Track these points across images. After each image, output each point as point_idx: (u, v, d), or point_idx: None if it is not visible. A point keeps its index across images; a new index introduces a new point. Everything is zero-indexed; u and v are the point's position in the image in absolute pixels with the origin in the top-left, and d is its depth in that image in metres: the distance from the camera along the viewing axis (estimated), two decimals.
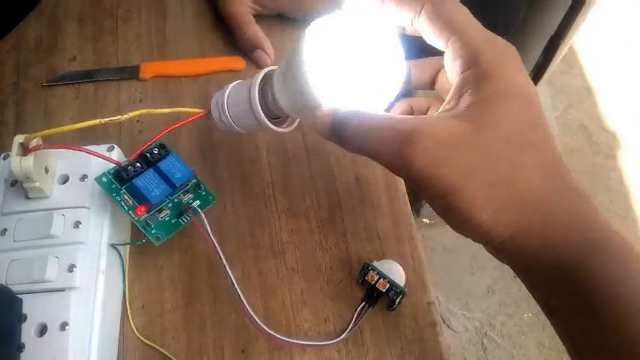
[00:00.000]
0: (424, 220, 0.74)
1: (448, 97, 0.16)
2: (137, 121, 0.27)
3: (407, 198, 0.26)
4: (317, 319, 0.23)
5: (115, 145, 0.23)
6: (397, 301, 0.22)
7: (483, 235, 0.14)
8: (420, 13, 0.15)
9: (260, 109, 0.19)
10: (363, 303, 0.22)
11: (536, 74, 0.61)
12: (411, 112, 0.20)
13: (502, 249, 0.15)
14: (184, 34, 0.30)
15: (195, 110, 0.21)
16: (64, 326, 0.19)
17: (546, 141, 0.15)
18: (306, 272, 0.24)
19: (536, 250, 0.14)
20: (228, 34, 0.29)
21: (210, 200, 0.22)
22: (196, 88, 0.28)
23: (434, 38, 0.16)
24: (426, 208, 0.71)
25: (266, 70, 0.19)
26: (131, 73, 0.28)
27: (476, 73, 0.15)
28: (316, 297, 0.23)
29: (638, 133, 0.88)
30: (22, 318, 0.19)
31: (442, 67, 0.17)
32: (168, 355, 0.21)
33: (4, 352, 0.18)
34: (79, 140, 0.25)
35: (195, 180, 0.22)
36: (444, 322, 0.71)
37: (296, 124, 0.21)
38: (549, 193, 0.14)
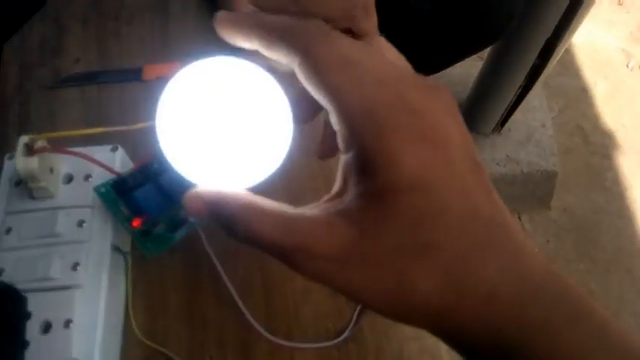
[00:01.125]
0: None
1: (336, 183, 0.14)
2: (140, 122, 0.27)
3: None
4: (317, 316, 0.23)
5: (118, 146, 0.24)
6: None
7: (418, 320, 0.12)
8: (297, 66, 0.12)
9: None
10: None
11: (533, 75, 0.62)
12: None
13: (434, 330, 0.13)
14: (187, 36, 0.30)
15: None
16: (68, 323, 0.19)
17: (447, 235, 0.11)
18: None
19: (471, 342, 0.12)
20: None
21: (192, 223, 0.22)
22: None
23: (315, 96, 0.12)
24: None
25: None
26: (134, 74, 0.28)
27: (357, 158, 0.11)
28: (317, 294, 0.23)
29: (633, 134, 0.89)
30: (27, 315, 0.20)
31: (294, 63, 0.13)
32: (170, 353, 0.22)
33: (9, 349, 0.18)
34: (84, 139, 0.25)
35: None
36: None
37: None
38: (449, 301, 0.11)
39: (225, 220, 0.12)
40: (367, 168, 0.11)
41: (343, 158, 0.12)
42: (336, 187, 0.14)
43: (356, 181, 0.12)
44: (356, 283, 0.12)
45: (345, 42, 0.12)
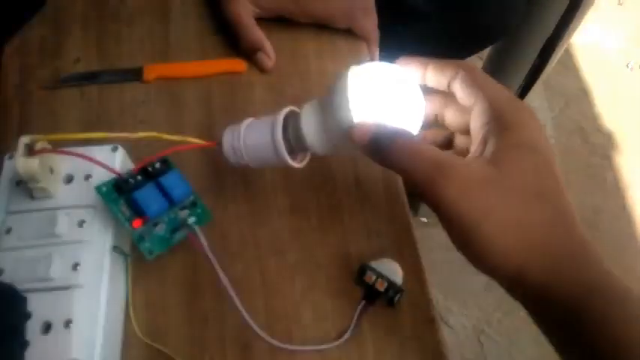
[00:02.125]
0: (422, 219, 0.74)
1: (476, 145, 0.18)
2: (140, 122, 0.28)
3: (405, 197, 0.26)
4: (317, 316, 0.23)
5: (118, 146, 0.24)
6: (395, 299, 0.22)
7: (495, 271, 0.16)
8: (456, 78, 0.19)
9: (282, 144, 0.21)
10: (364, 302, 0.23)
11: (533, 75, 0.62)
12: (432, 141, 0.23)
13: (512, 286, 0.17)
14: (186, 36, 0.30)
15: (201, 142, 0.22)
16: (68, 324, 0.19)
17: (556, 193, 0.17)
18: (307, 271, 0.24)
19: (541, 289, 0.16)
20: (229, 37, 0.30)
21: (207, 218, 0.22)
22: (198, 89, 0.29)
23: (465, 97, 0.19)
24: (425, 208, 0.72)
25: (288, 109, 0.21)
26: (135, 75, 0.28)
27: (499, 125, 0.17)
28: (316, 295, 0.23)
29: (633, 134, 0.89)
30: (27, 316, 0.20)
31: (457, 75, 0.19)
32: (171, 352, 0.22)
33: (9, 349, 0.19)
34: (85, 139, 0.25)
35: (192, 197, 0.22)
36: (442, 319, 0.71)
37: (307, 159, 0.23)
38: (553, 239, 0.16)
39: (383, 147, 0.18)
40: (507, 130, 0.17)
41: (487, 127, 0.18)
42: (475, 150, 0.18)
43: (497, 139, 0.17)
44: (486, 207, 0.16)
45: (482, 71, 0.19)
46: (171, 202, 0.21)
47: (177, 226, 0.22)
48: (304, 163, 0.22)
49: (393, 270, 0.23)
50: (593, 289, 0.15)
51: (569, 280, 0.15)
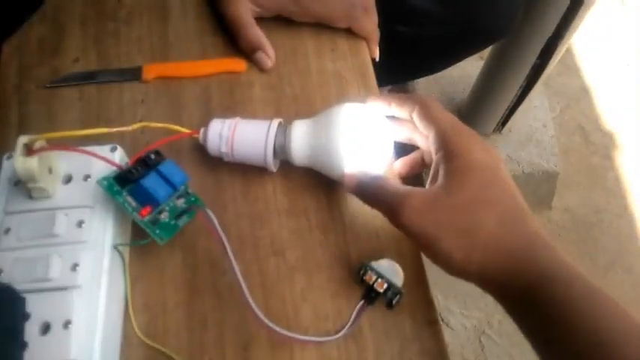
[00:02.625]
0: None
1: (432, 171, 0.22)
2: (139, 121, 0.27)
3: None
4: (317, 316, 0.23)
5: (117, 146, 0.24)
6: (394, 301, 0.22)
7: (462, 275, 0.20)
8: (413, 112, 0.23)
9: (272, 146, 0.24)
10: (362, 301, 0.22)
11: (534, 75, 0.62)
12: (411, 164, 0.26)
13: (479, 281, 0.20)
14: (186, 35, 0.30)
15: (186, 131, 0.25)
16: (67, 324, 0.19)
17: (503, 198, 0.20)
18: (306, 270, 0.24)
19: (501, 279, 0.19)
20: (229, 36, 0.30)
21: (200, 204, 0.23)
22: (197, 89, 0.29)
23: (422, 129, 0.23)
24: None
25: (279, 120, 0.25)
26: (133, 74, 0.28)
27: (447, 152, 0.21)
28: (316, 295, 0.23)
29: (634, 134, 0.89)
30: (26, 316, 0.19)
31: (414, 110, 0.23)
32: (170, 353, 0.22)
33: (7, 350, 0.18)
34: (83, 140, 0.25)
35: (184, 186, 0.23)
36: (442, 320, 0.71)
37: (277, 167, 0.26)
38: (502, 236, 0.19)
39: (363, 190, 0.22)
40: (452, 157, 0.20)
41: (436, 157, 0.21)
42: (431, 176, 0.22)
43: (445, 165, 0.20)
44: (440, 225, 0.19)
45: (436, 103, 0.23)
46: (173, 187, 0.22)
47: (180, 212, 0.22)
48: (276, 167, 0.26)
49: (393, 271, 0.23)
50: (543, 276, 0.18)
51: (521, 271, 0.18)
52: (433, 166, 0.22)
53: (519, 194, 0.20)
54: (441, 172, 0.20)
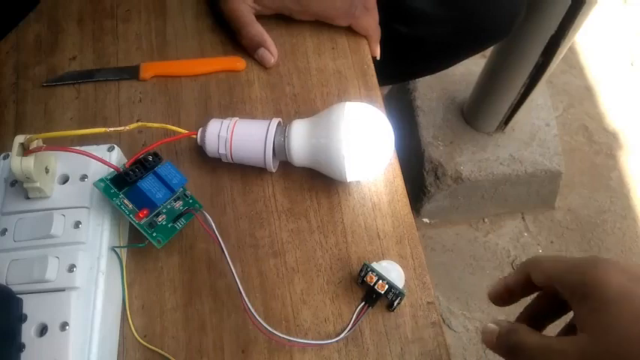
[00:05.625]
0: (424, 220, 0.74)
1: (564, 328, 0.19)
2: (137, 120, 0.27)
3: (407, 198, 0.26)
4: (317, 318, 0.23)
5: (115, 146, 0.23)
6: (396, 302, 0.22)
7: None
8: (529, 274, 0.19)
9: (272, 146, 0.23)
10: (363, 303, 0.22)
11: (537, 74, 0.61)
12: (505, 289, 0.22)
13: None
14: (184, 34, 0.30)
15: (184, 131, 0.24)
16: (64, 326, 0.19)
17: None
18: (306, 272, 0.24)
19: None
20: (228, 35, 0.29)
21: (198, 205, 0.23)
22: (196, 88, 0.28)
23: (542, 283, 0.19)
24: (426, 208, 0.71)
25: (278, 119, 0.24)
26: (131, 73, 0.28)
27: (577, 297, 0.17)
28: (316, 297, 0.23)
29: (638, 133, 0.88)
30: (23, 318, 0.19)
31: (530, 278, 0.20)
32: (168, 355, 0.21)
33: (4, 352, 0.18)
34: (80, 139, 0.25)
35: (182, 188, 0.23)
36: (444, 322, 0.71)
37: (276, 167, 0.25)
38: None
39: (507, 347, 0.19)
40: (582, 297, 0.17)
41: (570, 307, 0.18)
42: (564, 329, 0.19)
43: (579, 313, 0.17)
44: None
45: (539, 258, 0.19)
46: (171, 190, 0.22)
47: (175, 215, 0.22)
48: (276, 168, 0.25)
49: (394, 272, 0.22)
50: None
51: None
52: (573, 317, 0.18)
53: None
54: (579, 320, 0.17)
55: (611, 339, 0.16)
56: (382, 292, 0.21)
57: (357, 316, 0.22)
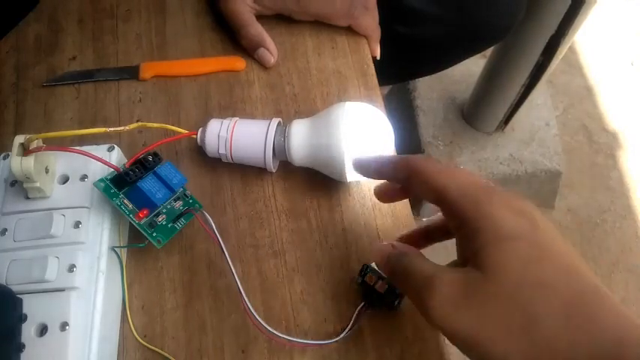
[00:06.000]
0: (424, 220, 0.74)
1: (458, 254, 0.17)
2: (137, 120, 0.27)
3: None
4: (317, 319, 0.23)
5: (115, 145, 0.23)
6: (396, 303, 0.22)
7: None
8: (407, 181, 0.18)
9: (272, 146, 0.23)
10: (363, 303, 0.22)
11: (537, 73, 0.61)
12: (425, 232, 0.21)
13: None
14: (184, 34, 0.30)
15: (184, 131, 0.24)
16: (64, 326, 0.19)
17: (557, 277, 0.14)
18: (306, 272, 0.24)
19: None
20: (228, 34, 0.29)
21: (199, 205, 0.23)
22: (196, 88, 0.28)
23: (428, 201, 0.17)
24: (426, 208, 0.71)
25: (278, 120, 0.24)
26: (131, 72, 0.28)
27: (465, 229, 0.16)
28: (316, 297, 0.23)
29: (638, 133, 0.88)
30: (22, 318, 0.19)
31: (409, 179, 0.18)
32: (168, 355, 0.21)
33: (4, 352, 0.18)
34: (80, 139, 0.25)
35: (182, 188, 0.23)
36: None
37: (276, 167, 0.25)
38: (575, 337, 0.13)
39: (390, 269, 0.18)
40: (475, 231, 0.15)
41: (458, 234, 0.16)
42: (458, 258, 0.17)
43: (470, 246, 0.15)
44: (484, 320, 0.14)
45: (431, 163, 0.17)
46: (171, 190, 0.22)
47: (175, 216, 0.22)
48: (276, 168, 0.25)
49: None
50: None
51: None
52: (458, 243, 0.17)
53: (577, 258, 0.15)
54: (471, 251, 0.15)
55: (504, 279, 0.14)
56: (382, 293, 0.21)
57: (356, 317, 0.22)
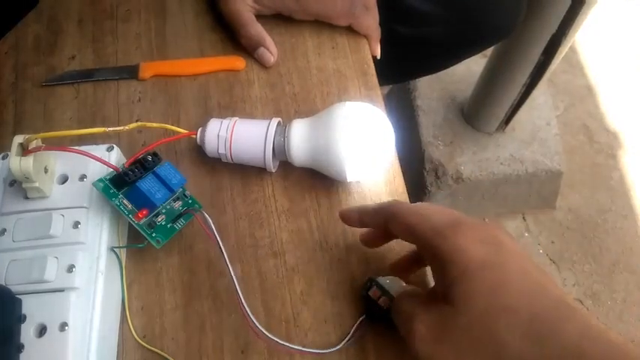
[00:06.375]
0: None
1: (433, 284, 0.18)
2: (136, 120, 0.27)
3: (407, 198, 0.26)
4: (317, 319, 0.23)
5: (114, 145, 0.23)
6: None
7: None
8: (387, 224, 0.19)
9: (272, 146, 0.23)
10: (364, 316, 0.22)
11: (537, 73, 0.61)
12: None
13: None
14: (184, 33, 0.30)
15: (183, 131, 0.24)
16: (63, 327, 0.19)
17: (520, 298, 0.15)
18: (306, 273, 0.24)
19: None
20: (227, 34, 0.29)
21: (198, 205, 0.23)
22: (195, 87, 0.28)
23: (408, 242, 0.19)
24: None
25: (278, 120, 0.24)
26: (130, 72, 0.28)
27: (438, 264, 0.17)
28: (316, 297, 0.23)
29: (639, 133, 0.88)
30: (22, 318, 0.19)
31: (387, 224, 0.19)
32: (167, 356, 0.21)
33: (3, 352, 0.18)
34: (79, 139, 0.25)
35: (181, 189, 0.23)
36: None
37: (276, 167, 0.25)
38: (541, 353, 0.14)
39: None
40: (446, 265, 0.16)
41: (431, 267, 0.18)
42: (434, 293, 0.18)
43: (443, 280, 0.17)
44: (460, 353, 0.16)
45: (401, 206, 0.19)
46: (171, 190, 0.22)
47: (175, 216, 0.22)
48: (276, 168, 0.25)
49: (399, 289, 0.21)
50: None
51: None
52: (433, 277, 0.18)
53: (542, 276, 0.16)
54: (443, 284, 0.17)
55: (472, 310, 0.15)
56: (385, 309, 0.20)
57: (355, 330, 0.21)
